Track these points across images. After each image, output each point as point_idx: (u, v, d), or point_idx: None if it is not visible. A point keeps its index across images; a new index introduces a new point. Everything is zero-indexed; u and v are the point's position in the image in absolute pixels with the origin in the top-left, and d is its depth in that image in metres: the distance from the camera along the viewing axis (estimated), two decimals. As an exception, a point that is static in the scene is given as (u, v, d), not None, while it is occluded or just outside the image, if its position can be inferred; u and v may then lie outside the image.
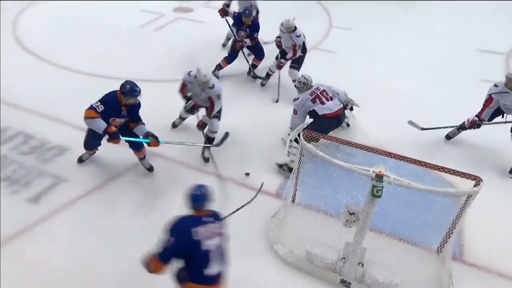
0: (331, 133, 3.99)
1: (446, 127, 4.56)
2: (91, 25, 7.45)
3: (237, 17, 5.59)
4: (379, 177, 2.49)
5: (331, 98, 4.29)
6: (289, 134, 4.43)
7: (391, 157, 2.88)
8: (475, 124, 4.38)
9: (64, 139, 4.55)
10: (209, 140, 4.39)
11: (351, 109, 4.60)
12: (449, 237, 3.02)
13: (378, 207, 2.70)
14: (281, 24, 5.34)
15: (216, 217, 2.48)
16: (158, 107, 5.01)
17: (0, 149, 4.35)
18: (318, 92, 4.27)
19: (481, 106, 4.34)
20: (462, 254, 3.35)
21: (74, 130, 4.64)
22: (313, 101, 4.22)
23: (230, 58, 5.83)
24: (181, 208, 3.74)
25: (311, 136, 3.24)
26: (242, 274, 3.12)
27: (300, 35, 5.32)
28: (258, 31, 5.61)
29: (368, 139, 3.80)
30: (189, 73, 4.19)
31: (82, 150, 4.32)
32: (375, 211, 2.72)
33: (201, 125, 4.21)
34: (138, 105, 3.79)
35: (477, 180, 2.65)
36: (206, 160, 4.42)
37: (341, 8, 8.57)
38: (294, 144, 4.03)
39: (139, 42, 7.01)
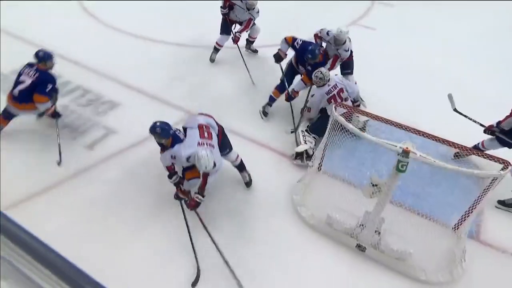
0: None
1: (477, 122, 3.85)
2: None
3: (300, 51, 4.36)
4: (406, 153, 2.48)
5: (345, 99, 4.05)
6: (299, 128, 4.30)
7: (420, 135, 2.83)
8: (490, 130, 3.75)
9: (115, 95, 4.75)
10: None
11: (358, 105, 4.34)
12: (468, 216, 2.98)
13: (401, 182, 2.70)
14: (327, 34, 4.44)
15: (36, 70, 3.72)
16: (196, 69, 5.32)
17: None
18: (335, 92, 4.00)
19: None
20: (479, 233, 3.30)
21: (124, 88, 4.90)
22: (329, 100, 3.96)
23: (282, 87, 4.57)
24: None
25: (343, 110, 3.24)
26: (265, 231, 3.30)
27: (348, 49, 4.48)
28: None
29: (399, 116, 3.62)
30: (187, 159, 3.08)
31: (129, 107, 4.58)
32: (398, 185, 2.72)
33: (194, 205, 3.13)
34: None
35: (506, 164, 2.59)
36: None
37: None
38: (306, 133, 4.07)
39: (185, 7, 6.96)
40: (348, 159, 3.64)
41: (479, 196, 2.86)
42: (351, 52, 4.60)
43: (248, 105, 4.74)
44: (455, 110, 3.92)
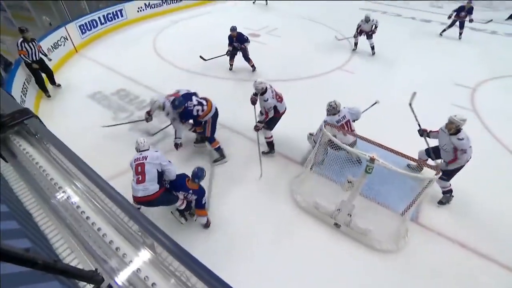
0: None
1: (417, 122, 3.52)
2: (196, 41, 7.81)
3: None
4: (372, 160, 2.55)
5: (351, 130, 3.46)
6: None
7: (382, 148, 2.84)
8: (423, 131, 3.50)
9: None
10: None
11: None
12: (411, 206, 2.97)
13: (368, 180, 2.73)
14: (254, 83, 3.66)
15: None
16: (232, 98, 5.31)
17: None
18: (343, 122, 3.47)
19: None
20: (418, 218, 3.36)
21: None
22: (338, 130, 3.36)
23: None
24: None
25: (330, 128, 3.27)
26: (271, 211, 3.35)
27: (267, 99, 3.65)
28: (187, 119, 3.77)
29: (368, 134, 3.71)
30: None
31: None
32: (365, 183, 2.77)
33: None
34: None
35: (437, 171, 2.62)
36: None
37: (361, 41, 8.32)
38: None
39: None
40: (332, 162, 3.47)
41: (419, 192, 2.84)
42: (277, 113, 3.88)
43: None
44: (410, 104, 3.50)
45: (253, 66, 6.28)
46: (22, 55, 4.75)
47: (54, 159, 1.17)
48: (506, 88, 6.30)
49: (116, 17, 8.67)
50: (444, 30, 9.14)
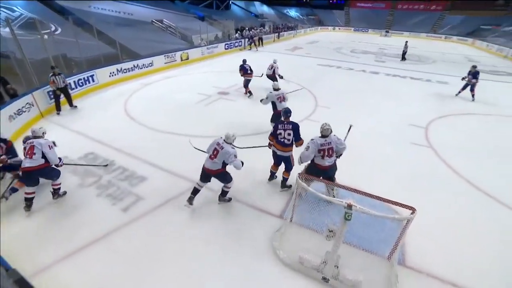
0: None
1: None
2: (166, 101, 8.04)
3: None
4: (350, 206, 2.57)
5: (331, 156, 3.66)
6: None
7: (357, 193, 2.89)
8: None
9: (145, 172, 4.69)
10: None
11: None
12: (395, 249, 2.98)
13: (348, 227, 2.71)
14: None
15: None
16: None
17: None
18: (326, 148, 3.66)
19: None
20: (405, 260, 3.28)
21: (150, 167, 4.85)
22: (319, 151, 3.66)
23: None
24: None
25: (306, 177, 3.29)
26: (253, 270, 3.15)
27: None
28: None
29: (340, 180, 3.79)
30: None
31: (153, 179, 4.50)
32: (346, 230, 2.73)
33: None
34: None
35: (413, 210, 2.67)
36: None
37: (323, 93, 9.19)
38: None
39: (195, 112, 7.44)
40: (311, 212, 3.44)
41: (400, 233, 2.88)
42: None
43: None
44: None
45: (249, 92, 8.57)
46: (50, 85, 6.69)
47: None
48: (450, 125, 7.22)
49: (87, 82, 8.78)
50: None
